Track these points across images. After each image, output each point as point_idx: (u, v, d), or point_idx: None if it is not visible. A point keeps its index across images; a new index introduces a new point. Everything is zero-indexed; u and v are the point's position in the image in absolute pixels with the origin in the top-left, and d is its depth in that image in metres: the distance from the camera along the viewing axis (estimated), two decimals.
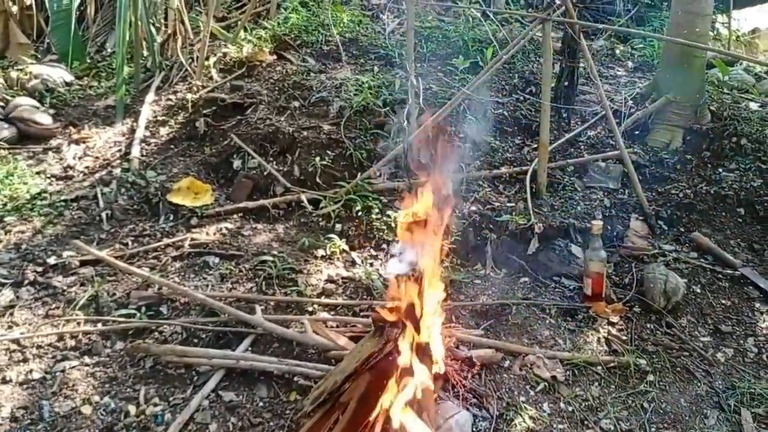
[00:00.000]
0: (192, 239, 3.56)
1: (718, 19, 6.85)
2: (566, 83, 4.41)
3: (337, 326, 3.00)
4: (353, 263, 3.50)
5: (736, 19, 6.88)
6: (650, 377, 2.82)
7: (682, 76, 4.51)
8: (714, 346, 3.07)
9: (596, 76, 4.02)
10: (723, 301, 3.36)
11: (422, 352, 2.35)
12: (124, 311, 3.03)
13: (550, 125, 3.95)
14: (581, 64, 4.49)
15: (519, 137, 4.54)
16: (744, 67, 5.63)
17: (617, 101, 4.75)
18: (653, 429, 2.57)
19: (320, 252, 3.52)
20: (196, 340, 2.90)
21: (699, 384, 2.83)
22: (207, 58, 5.15)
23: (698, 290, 3.42)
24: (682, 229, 3.87)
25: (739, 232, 3.85)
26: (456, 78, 4.83)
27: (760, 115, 4.61)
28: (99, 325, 2.97)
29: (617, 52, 5.92)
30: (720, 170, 4.21)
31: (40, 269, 3.29)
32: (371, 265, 3.49)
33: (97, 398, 2.59)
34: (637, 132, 4.59)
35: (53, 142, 4.53)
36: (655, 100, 4.61)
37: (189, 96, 4.84)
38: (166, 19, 5.69)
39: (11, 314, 3.01)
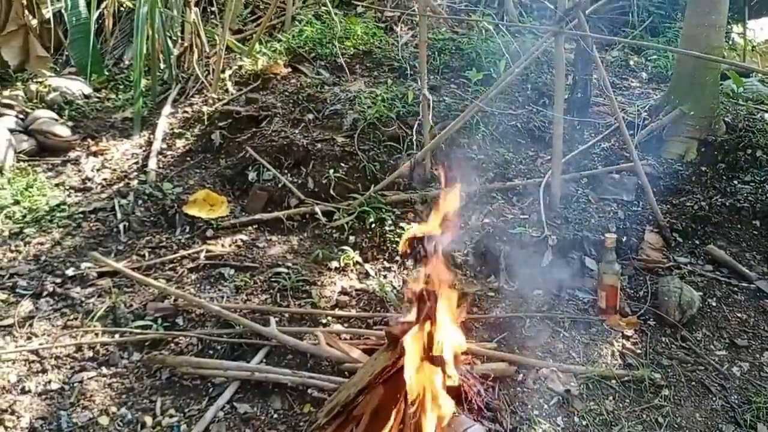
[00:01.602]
0: (208, 251, 3.60)
1: (734, 29, 6.82)
2: (579, 95, 4.42)
3: (351, 338, 3.01)
4: (367, 275, 3.52)
5: (751, 29, 6.85)
6: (665, 391, 2.81)
7: (696, 88, 4.50)
8: (729, 360, 3.06)
9: (609, 88, 4.02)
10: (738, 315, 3.34)
11: (436, 365, 2.36)
12: (140, 322, 3.06)
13: (563, 137, 3.95)
14: (594, 76, 4.49)
15: (532, 149, 4.55)
16: (759, 78, 5.60)
17: (631, 113, 4.75)
18: None
19: (334, 264, 3.54)
20: (211, 352, 2.93)
21: (714, 398, 2.81)
22: (223, 71, 5.21)
23: (713, 303, 3.40)
24: (697, 242, 3.86)
25: (754, 245, 3.83)
26: (469, 90, 4.85)
27: None
28: (116, 336, 3.00)
29: (631, 63, 5.92)
30: (735, 182, 4.20)
31: (58, 280, 3.34)
32: (385, 277, 3.51)
33: (114, 409, 2.63)
34: (651, 144, 4.58)
35: (72, 154, 4.60)
36: (669, 111, 4.59)
37: (205, 108, 4.90)
38: (182, 32, 5.78)
39: (30, 325, 3.06)
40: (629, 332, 3.16)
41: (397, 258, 3.64)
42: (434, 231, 2.40)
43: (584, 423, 2.63)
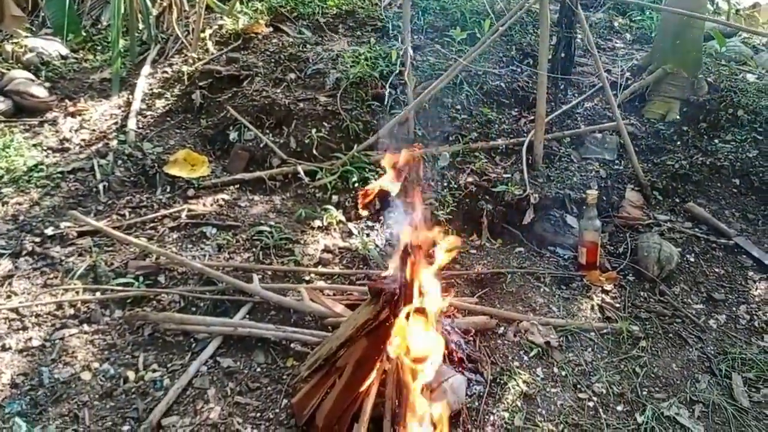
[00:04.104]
0: (189, 210, 3.57)
1: None
2: (563, 55, 4.40)
3: (334, 294, 3.02)
4: (350, 234, 3.52)
5: None
6: (643, 343, 2.86)
7: (679, 48, 4.49)
8: (707, 313, 3.11)
9: (593, 48, 4.00)
10: (716, 270, 3.39)
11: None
12: (122, 280, 3.05)
13: (546, 97, 3.94)
14: (578, 36, 4.47)
15: (516, 109, 4.54)
16: (742, 39, 5.60)
17: (614, 73, 4.74)
18: (645, 392, 2.61)
19: (317, 223, 3.54)
20: (194, 309, 2.94)
21: (691, 349, 2.87)
22: (203, 31, 5.12)
23: (692, 259, 3.45)
24: (677, 200, 3.90)
25: (733, 203, 3.88)
26: (453, 50, 4.80)
27: (756, 86, 4.61)
28: (97, 294, 2.99)
29: (615, 24, 5.89)
30: (716, 141, 4.22)
31: (38, 240, 3.30)
32: (368, 235, 3.51)
33: (96, 365, 2.63)
34: (634, 104, 4.59)
35: (49, 115, 4.52)
36: (652, 71, 4.59)
37: (185, 68, 4.82)
38: None
39: (10, 284, 3.03)
40: (608, 287, 3.20)
41: (381, 217, 3.64)
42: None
43: (563, 373, 2.67)
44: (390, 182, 2.43)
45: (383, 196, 3.58)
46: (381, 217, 3.64)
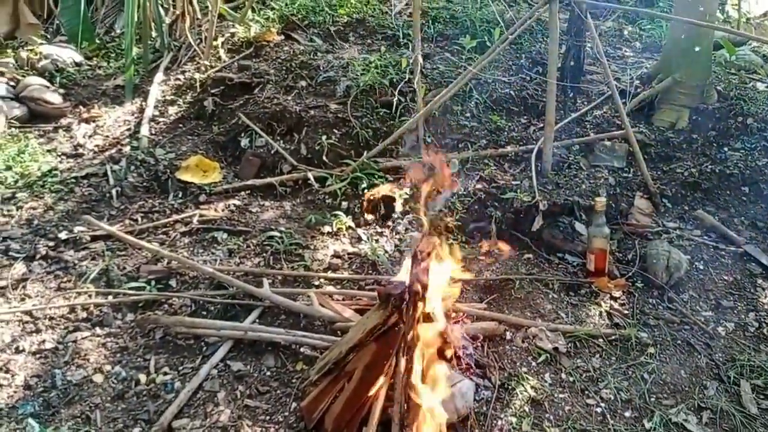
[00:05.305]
0: (201, 215, 3.62)
1: (729, 1, 6.80)
2: (573, 63, 4.42)
3: (343, 299, 3.04)
4: (359, 239, 3.54)
5: (746, 1, 6.83)
6: (651, 350, 2.86)
7: (688, 56, 4.50)
8: (715, 320, 3.11)
9: (603, 56, 4.02)
10: (725, 277, 3.39)
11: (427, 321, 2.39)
12: (134, 284, 3.09)
13: (556, 105, 3.95)
14: (588, 44, 4.48)
15: (525, 116, 4.55)
16: (752, 47, 5.60)
17: (624, 81, 4.75)
18: (653, 399, 2.62)
19: (326, 228, 3.57)
20: (204, 313, 2.96)
21: (699, 356, 2.86)
22: (215, 39, 5.18)
23: (701, 266, 3.45)
24: (687, 207, 3.90)
25: (743, 210, 3.88)
26: (463, 58, 4.83)
27: (766, 95, 4.61)
28: (110, 297, 3.03)
29: (625, 33, 5.90)
30: (725, 149, 4.22)
31: (51, 244, 3.35)
32: (377, 241, 3.53)
33: (108, 367, 2.66)
34: (643, 112, 4.60)
35: (63, 121, 4.59)
36: (661, 80, 4.60)
37: (197, 76, 4.88)
38: None
39: (24, 287, 3.08)
40: (617, 294, 3.20)
41: (389, 223, 3.67)
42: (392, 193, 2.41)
43: (571, 379, 2.68)
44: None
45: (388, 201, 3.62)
46: (389, 223, 3.67)
